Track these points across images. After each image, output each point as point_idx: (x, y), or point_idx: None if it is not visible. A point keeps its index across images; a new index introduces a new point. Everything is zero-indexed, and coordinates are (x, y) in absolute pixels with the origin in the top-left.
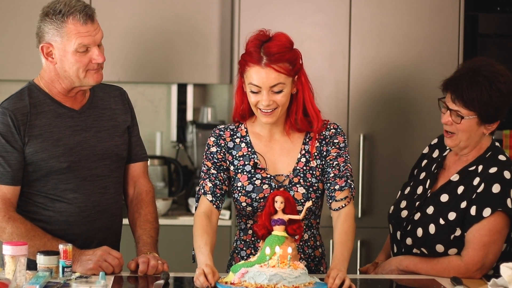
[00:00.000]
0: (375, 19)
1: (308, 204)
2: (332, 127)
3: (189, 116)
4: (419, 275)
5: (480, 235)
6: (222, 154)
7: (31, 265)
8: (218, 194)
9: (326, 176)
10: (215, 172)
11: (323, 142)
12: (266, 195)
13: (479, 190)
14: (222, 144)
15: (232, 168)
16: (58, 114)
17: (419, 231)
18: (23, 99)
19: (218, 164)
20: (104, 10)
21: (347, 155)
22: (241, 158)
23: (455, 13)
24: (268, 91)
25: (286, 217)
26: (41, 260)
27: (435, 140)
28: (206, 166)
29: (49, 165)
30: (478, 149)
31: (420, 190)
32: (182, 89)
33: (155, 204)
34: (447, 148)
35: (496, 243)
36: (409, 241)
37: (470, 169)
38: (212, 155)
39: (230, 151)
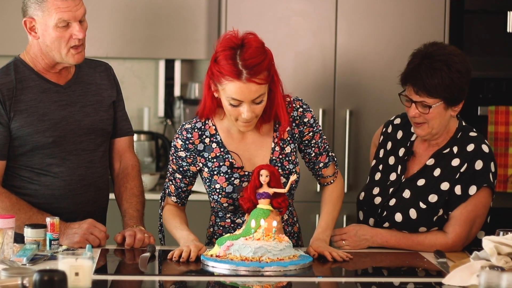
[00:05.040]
0: None
1: (293, 177)
2: (298, 105)
3: (177, 91)
4: (402, 249)
5: (467, 211)
6: (191, 158)
7: (18, 238)
8: (183, 196)
9: (307, 157)
10: (180, 176)
11: (293, 124)
12: None
13: (462, 169)
14: (191, 149)
15: (206, 170)
16: (44, 89)
17: (398, 216)
18: (9, 74)
19: (184, 168)
20: None
21: (319, 129)
22: (215, 160)
23: None
24: (250, 104)
25: (271, 190)
26: (29, 233)
27: (398, 120)
28: (171, 168)
29: (35, 139)
30: (447, 131)
31: (393, 176)
32: (169, 64)
33: (141, 178)
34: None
35: (481, 217)
36: (386, 226)
37: (445, 151)
38: (178, 159)
39: (201, 154)
